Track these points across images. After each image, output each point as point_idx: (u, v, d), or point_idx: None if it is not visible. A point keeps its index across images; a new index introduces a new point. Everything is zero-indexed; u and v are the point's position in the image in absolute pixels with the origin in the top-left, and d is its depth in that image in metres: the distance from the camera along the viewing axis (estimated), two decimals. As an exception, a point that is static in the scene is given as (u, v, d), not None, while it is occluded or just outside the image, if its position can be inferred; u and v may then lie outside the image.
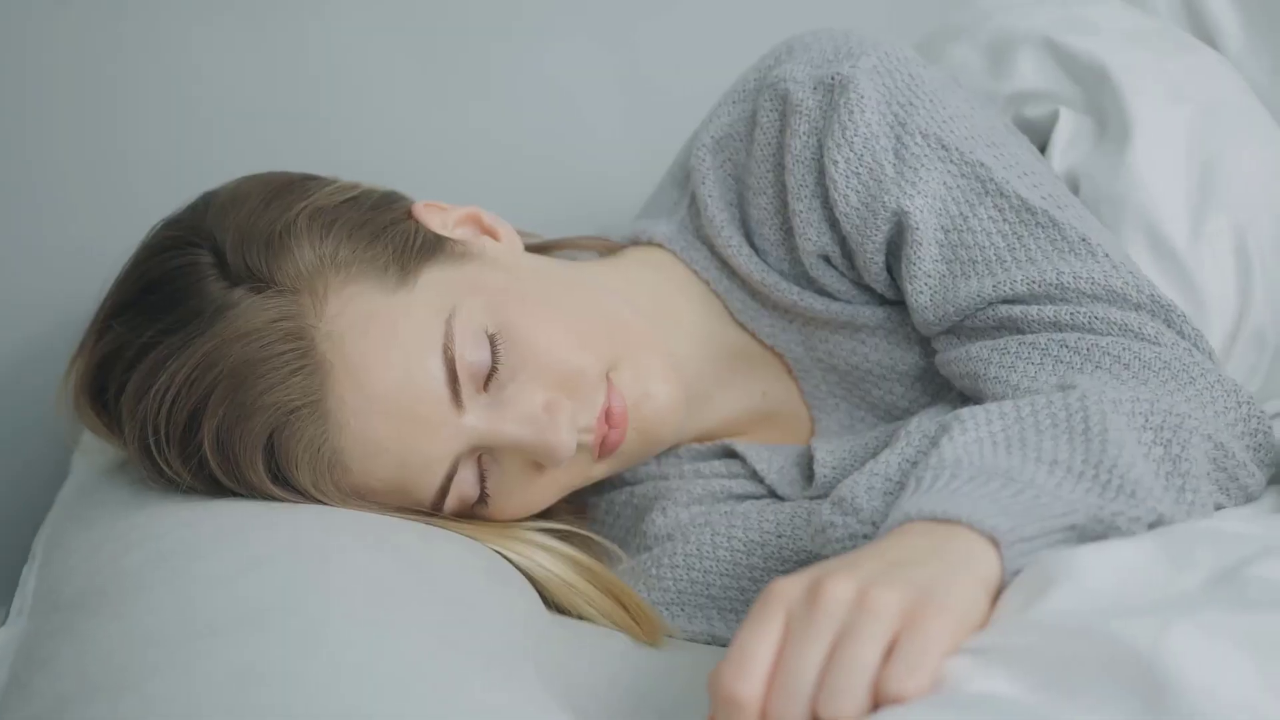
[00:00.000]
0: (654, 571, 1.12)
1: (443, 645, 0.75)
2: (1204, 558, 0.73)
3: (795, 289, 1.15)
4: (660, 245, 1.20)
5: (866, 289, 1.14)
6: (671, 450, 1.21)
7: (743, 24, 1.66)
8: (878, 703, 0.70)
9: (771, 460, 1.17)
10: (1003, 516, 0.78)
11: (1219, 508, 0.93)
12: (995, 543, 0.77)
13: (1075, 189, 1.16)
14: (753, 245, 1.16)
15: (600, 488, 1.22)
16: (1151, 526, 0.81)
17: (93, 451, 1.18)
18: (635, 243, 1.22)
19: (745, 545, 1.10)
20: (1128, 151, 1.14)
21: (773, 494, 1.16)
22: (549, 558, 1.07)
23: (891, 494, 0.92)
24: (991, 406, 0.90)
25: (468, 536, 1.04)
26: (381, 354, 0.99)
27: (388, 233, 1.05)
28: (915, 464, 0.94)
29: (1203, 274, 1.10)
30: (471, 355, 1.01)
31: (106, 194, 1.68)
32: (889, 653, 0.71)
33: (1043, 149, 1.20)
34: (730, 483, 1.17)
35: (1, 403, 1.63)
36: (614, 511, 1.21)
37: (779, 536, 1.10)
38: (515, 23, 1.77)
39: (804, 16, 1.68)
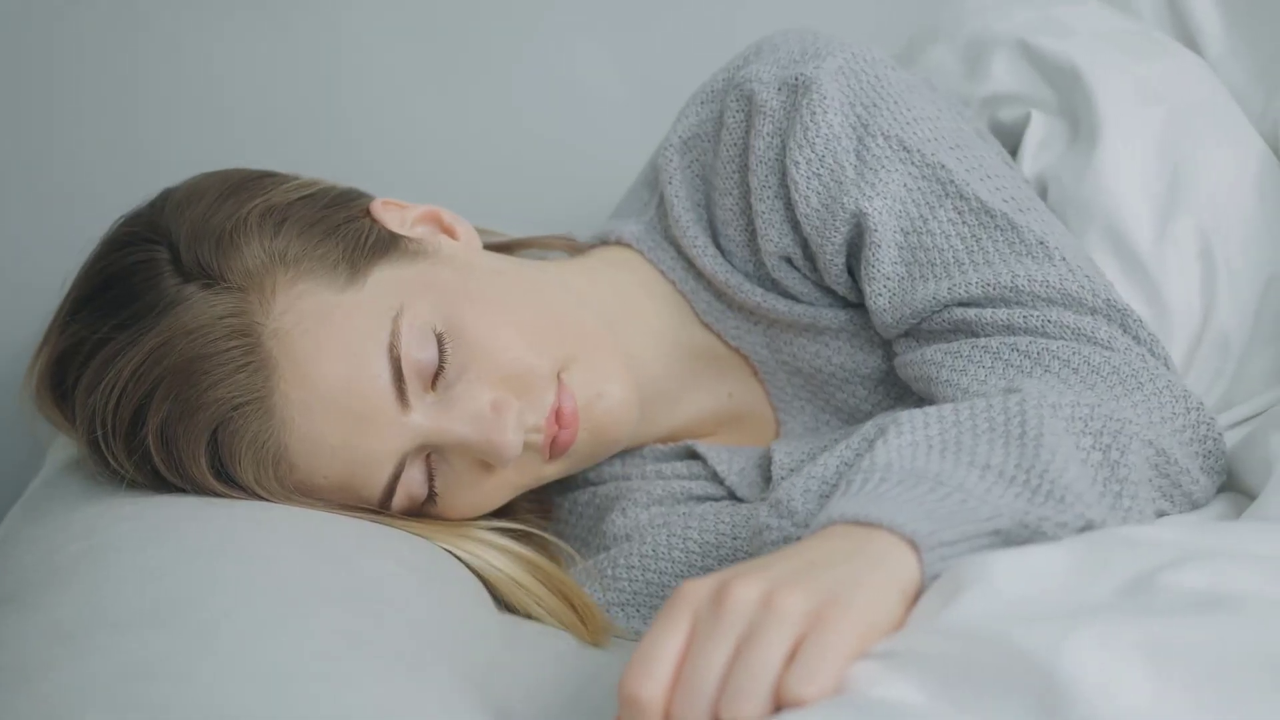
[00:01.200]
0: (610, 572, 1.11)
1: (348, 644, 0.75)
2: (1118, 564, 0.72)
3: (759, 290, 1.14)
4: (628, 245, 1.20)
5: (829, 291, 1.13)
6: (635, 451, 1.20)
7: (752, 25, 1.66)
8: (779, 705, 0.69)
9: (732, 462, 1.16)
10: (924, 520, 0.77)
11: (1162, 514, 0.92)
12: (915, 546, 0.76)
13: (1044, 192, 1.16)
14: (719, 246, 1.16)
15: (564, 487, 1.22)
16: (1080, 532, 0.80)
17: (65, 446, 1.19)
18: (604, 243, 1.22)
19: (700, 547, 1.10)
20: (1095, 154, 1.13)
21: (732, 496, 1.16)
22: (500, 557, 1.07)
23: (827, 497, 0.92)
24: (931, 410, 0.89)
25: (417, 535, 1.04)
26: (327, 351, 0.99)
27: (340, 230, 1.05)
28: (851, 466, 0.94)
29: (1166, 278, 1.09)
30: (418, 353, 1.01)
31: (122, 190, 1.69)
32: (793, 655, 0.70)
33: (1016, 152, 1.19)
34: (691, 484, 1.16)
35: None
36: (576, 511, 1.21)
37: (734, 539, 1.09)
38: (528, 22, 1.77)
39: (810, 16, 1.68)
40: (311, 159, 1.77)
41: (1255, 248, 1.12)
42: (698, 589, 0.73)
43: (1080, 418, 0.89)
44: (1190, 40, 1.26)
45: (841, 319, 1.13)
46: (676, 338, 1.18)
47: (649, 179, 1.23)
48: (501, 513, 1.14)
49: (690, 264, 1.17)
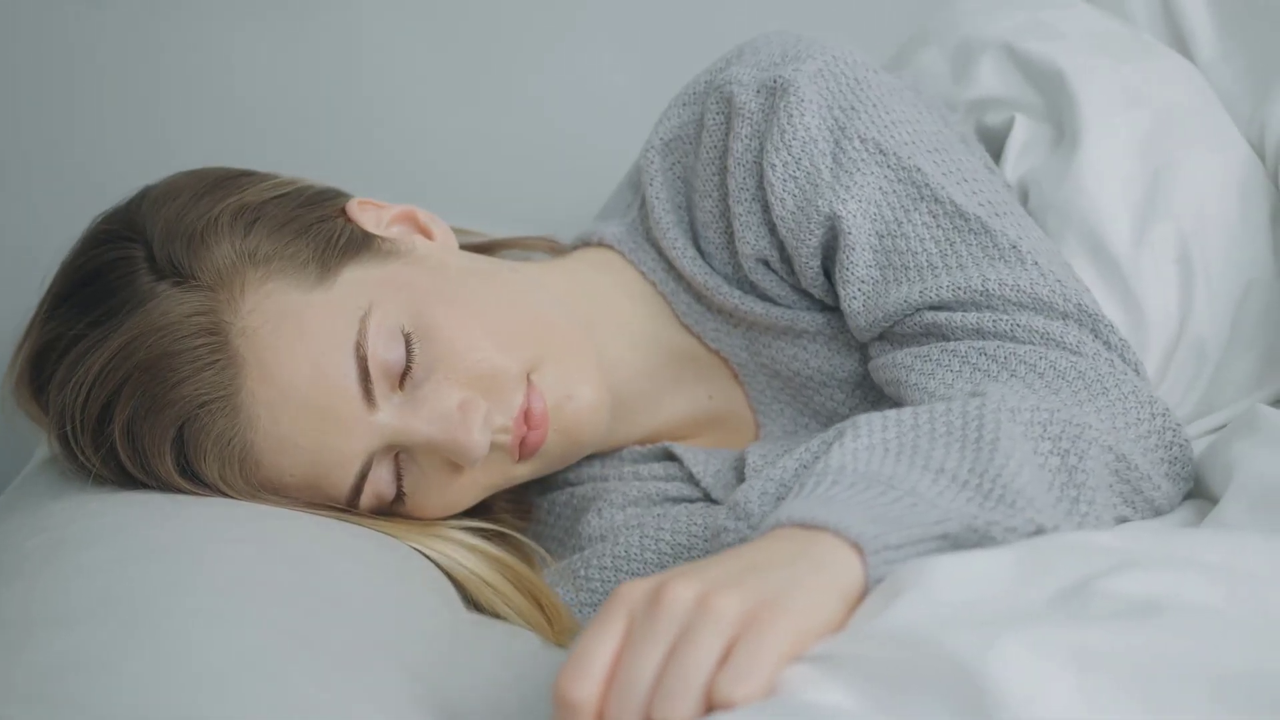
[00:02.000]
0: (582, 572, 1.11)
1: (287, 641, 0.75)
2: (1058, 570, 0.72)
3: (737, 293, 1.14)
4: (610, 247, 1.20)
5: (806, 294, 1.13)
6: (614, 452, 1.20)
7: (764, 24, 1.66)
8: (711, 707, 0.69)
9: (708, 464, 1.16)
10: (870, 524, 0.77)
11: (1123, 520, 0.91)
12: (860, 550, 0.76)
13: (1025, 197, 1.15)
14: (700, 248, 1.15)
15: (543, 488, 1.22)
16: (1031, 537, 0.80)
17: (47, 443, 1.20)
18: (586, 244, 1.22)
19: (672, 548, 1.10)
20: (1075, 158, 1.12)
21: (708, 497, 1.15)
22: (469, 556, 1.07)
23: (783, 499, 0.91)
24: (891, 414, 0.89)
25: (387, 534, 1.04)
26: (294, 350, 1.00)
27: (313, 230, 1.05)
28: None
29: (1143, 283, 1.08)
30: (384, 353, 1.01)
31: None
32: (727, 657, 0.70)
33: (1000, 157, 1.19)
34: (667, 485, 1.16)
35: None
36: (555, 512, 1.21)
37: (705, 540, 1.09)
38: (549, 22, 1.77)
39: (827, 17, 1.68)
40: (329, 158, 1.79)
41: (1235, 253, 1.11)
42: (635, 590, 0.73)
43: (1039, 422, 0.88)
44: (1182, 43, 1.25)
45: (819, 322, 1.13)
46: (656, 339, 1.18)
47: (633, 180, 1.23)
48: (479, 512, 1.14)
49: (671, 266, 1.17)
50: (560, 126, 1.78)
